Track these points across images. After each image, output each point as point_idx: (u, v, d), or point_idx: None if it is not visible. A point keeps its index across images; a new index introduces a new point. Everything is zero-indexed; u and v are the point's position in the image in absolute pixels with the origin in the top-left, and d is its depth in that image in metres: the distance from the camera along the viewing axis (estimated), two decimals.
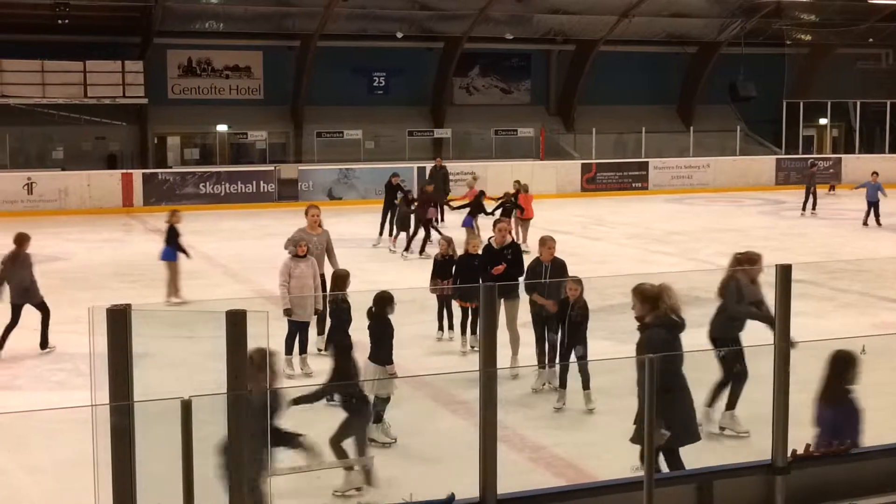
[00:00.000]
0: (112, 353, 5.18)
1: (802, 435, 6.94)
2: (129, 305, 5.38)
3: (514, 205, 21.25)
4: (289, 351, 11.45)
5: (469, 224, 21.12)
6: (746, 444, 8.99)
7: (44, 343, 12.73)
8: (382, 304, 8.92)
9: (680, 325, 7.19)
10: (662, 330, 7.10)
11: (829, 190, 34.28)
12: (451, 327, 13.21)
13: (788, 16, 40.58)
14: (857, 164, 38.35)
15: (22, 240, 13.16)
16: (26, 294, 12.83)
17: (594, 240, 23.05)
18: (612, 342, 12.84)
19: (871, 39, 42.25)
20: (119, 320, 5.14)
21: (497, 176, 30.33)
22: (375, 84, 39.32)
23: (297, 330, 11.39)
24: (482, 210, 21.47)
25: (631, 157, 38.03)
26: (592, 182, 35.53)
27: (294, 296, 11.23)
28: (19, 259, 12.95)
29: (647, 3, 37.04)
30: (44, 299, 13.00)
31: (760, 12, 39.25)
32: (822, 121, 43.07)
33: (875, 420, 9.58)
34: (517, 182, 22.40)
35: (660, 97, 41.65)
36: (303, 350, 11.51)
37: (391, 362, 8.87)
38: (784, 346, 6.57)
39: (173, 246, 15.99)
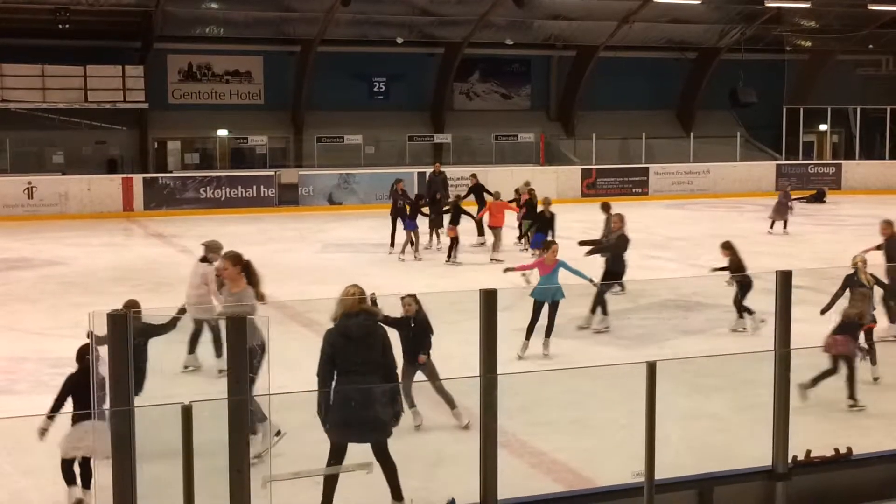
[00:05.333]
0: (113, 357, 5.19)
1: (803, 441, 6.93)
2: (129, 310, 5.38)
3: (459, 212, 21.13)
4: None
5: (412, 227, 20.95)
6: (747, 449, 8.97)
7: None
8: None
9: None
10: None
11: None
12: None
13: (788, 22, 40.60)
14: (857, 170, 38.38)
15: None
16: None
17: None
18: (614, 347, 12.85)
19: (870, 46, 42.26)
20: (119, 325, 5.15)
21: (498, 181, 30.29)
22: (376, 89, 39.34)
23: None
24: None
25: (631, 162, 38.04)
26: (593, 187, 35.52)
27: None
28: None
29: (648, 9, 37.06)
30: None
31: (760, 18, 39.27)
32: (822, 127, 43.08)
33: (874, 427, 9.59)
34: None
35: (660, 103, 41.67)
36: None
37: None
38: (784, 351, 6.58)
39: None
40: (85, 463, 7.97)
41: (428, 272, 19.64)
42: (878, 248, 14.61)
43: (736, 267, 13.95)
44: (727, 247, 14.16)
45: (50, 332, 12.94)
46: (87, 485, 7.85)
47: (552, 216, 20.04)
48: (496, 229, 21.30)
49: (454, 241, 20.66)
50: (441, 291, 15.82)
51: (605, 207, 18.43)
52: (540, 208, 20.64)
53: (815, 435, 7.76)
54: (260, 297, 10.06)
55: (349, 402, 7.19)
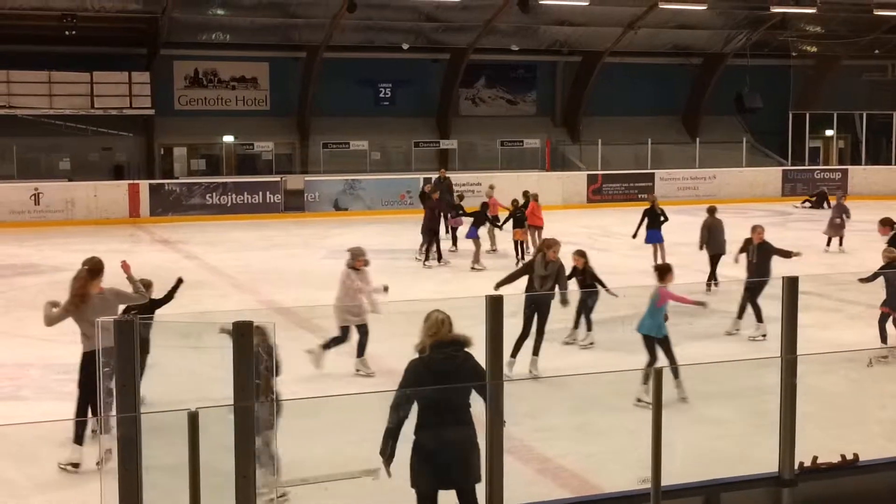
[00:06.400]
0: (119, 364, 5.19)
1: (810, 447, 6.91)
2: (135, 316, 5.39)
3: (524, 215, 21.80)
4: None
5: (474, 235, 21.38)
6: (753, 456, 8.95)
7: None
8: None
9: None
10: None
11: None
12: None
13: (794, 27, 40.60)
14: (863, 176, 38.36)
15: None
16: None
17: (600, 251, 22.96)
18: (619, 353, 12.82)
19: (876, 51, 42.24)
20: (125, 331, 5.15)
21: (503, 187, 30.33)
22: (381, 95, 39.39)
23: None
24: (486, 220, 21.82)
25: (637, 168, 38.04)
26: (598, 193, 35.53)
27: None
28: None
29: (653, 15, 37.06)
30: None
31: (766, 24, 39.26)
32: (829, 132, 43.06)
33: (882, 433, 9.56)
34: (526, 192, 22.77)
35: (666, 108, 41.65)
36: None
37: None
38: (790, 358, 6.56)
39: None
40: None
41: (435, 279, 19.65)
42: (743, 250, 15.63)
43: (589, 276, 13.45)
44: (581, 254, 13.54)
45: (55, 339, 12.90)
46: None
47: (662, 211, 20.13)
48: (538, 229, 21.59)
49: (521, 244, 21.40)
50: (448, 298, 15.84)
51: (711, 211, 18.61)
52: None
53: (821, 441, 7.74)
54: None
55: (433, 445, 6.40)
